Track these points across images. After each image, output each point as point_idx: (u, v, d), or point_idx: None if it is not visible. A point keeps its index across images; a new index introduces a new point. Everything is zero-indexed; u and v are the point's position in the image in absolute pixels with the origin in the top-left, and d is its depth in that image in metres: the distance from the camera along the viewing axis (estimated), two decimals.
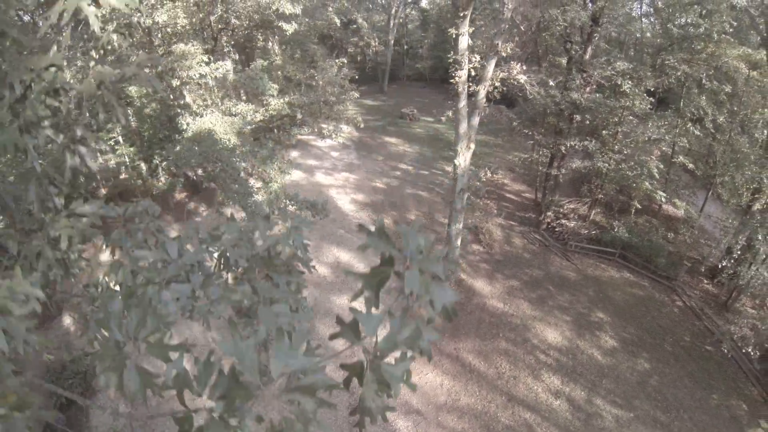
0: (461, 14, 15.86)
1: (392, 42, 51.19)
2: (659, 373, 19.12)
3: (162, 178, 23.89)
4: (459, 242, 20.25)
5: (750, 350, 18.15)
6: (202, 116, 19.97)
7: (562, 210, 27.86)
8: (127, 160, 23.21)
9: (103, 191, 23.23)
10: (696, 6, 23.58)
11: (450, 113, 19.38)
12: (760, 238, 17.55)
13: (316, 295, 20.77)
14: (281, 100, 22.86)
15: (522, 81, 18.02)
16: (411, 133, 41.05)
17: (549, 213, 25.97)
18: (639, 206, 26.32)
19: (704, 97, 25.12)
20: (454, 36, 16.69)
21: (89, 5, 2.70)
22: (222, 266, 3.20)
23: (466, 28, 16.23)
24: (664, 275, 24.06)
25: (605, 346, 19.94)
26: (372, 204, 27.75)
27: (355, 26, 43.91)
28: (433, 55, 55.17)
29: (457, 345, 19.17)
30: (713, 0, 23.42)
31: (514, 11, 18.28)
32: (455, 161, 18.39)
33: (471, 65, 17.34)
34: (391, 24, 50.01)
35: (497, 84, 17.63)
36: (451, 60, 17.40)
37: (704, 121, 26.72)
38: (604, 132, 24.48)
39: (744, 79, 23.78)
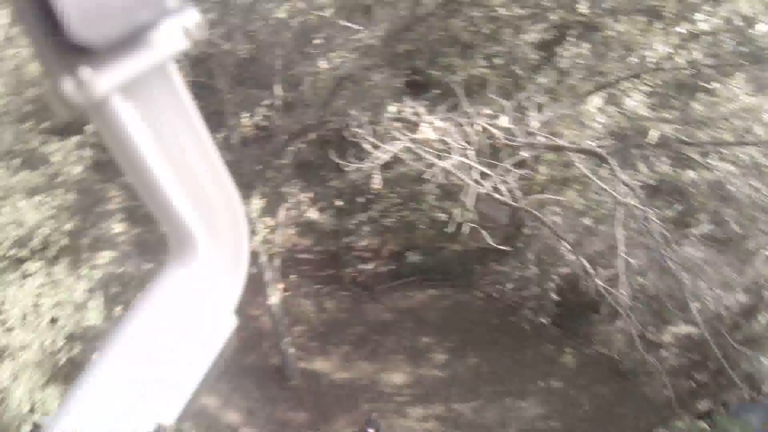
0: None
1: None
2: (485, 359, 25.08)
3: None
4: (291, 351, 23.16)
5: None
6: None
7: (359, 255, 32.07)
8: None
9: None
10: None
11: None
12: None
13: None
14: None
15: None
16: None
17: (347, 270, 30.11)
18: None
19: None
20: None
21: None
22: None
23: None
24: (464, 280, 29.83)
25: (439, 362, 25.36)
26: None
27: None
28: None
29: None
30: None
31: None
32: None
33: None
34: None
35: None
36: None
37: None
38: None
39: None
